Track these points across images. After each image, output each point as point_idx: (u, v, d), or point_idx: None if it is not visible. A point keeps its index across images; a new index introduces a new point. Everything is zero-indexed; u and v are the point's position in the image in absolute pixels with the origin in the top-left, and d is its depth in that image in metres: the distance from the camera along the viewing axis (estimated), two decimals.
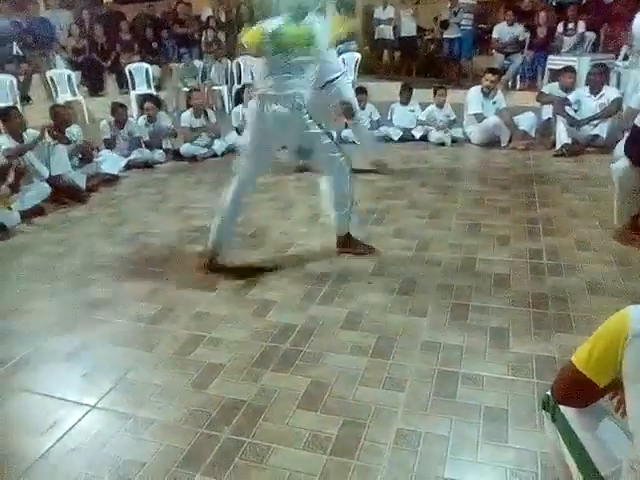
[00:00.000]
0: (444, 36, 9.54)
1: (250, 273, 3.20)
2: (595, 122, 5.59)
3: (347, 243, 3.39)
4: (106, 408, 2.13)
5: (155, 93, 8.23)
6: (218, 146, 6.06)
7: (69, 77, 8.45)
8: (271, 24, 2.91)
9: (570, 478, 1.37)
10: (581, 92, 5.79)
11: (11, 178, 4.32)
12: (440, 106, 6.34)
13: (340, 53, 7.07)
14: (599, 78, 5.70)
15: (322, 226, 3.69)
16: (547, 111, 6.03)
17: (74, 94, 8.44)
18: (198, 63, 9.03)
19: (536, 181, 4.73)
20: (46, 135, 4.71)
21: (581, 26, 8.32)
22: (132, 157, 5.68)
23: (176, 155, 5.98)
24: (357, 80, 8.13)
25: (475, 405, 2.03)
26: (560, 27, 8.46)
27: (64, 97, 8.12)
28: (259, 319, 2.70)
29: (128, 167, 5.60)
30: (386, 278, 3.07)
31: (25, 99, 8.22)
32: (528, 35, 8.72)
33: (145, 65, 8.77)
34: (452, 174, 5.10)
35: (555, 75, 6.99)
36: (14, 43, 8.63)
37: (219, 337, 2.56)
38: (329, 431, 1.93)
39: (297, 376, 2.24)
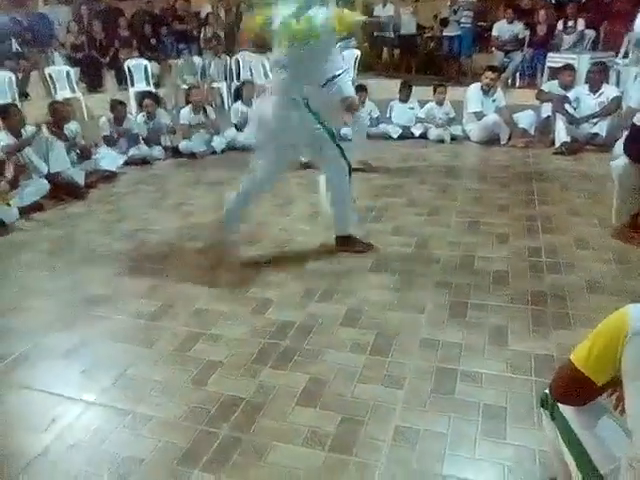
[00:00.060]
0: (444, 34, 9.54)
1: (249, 270, 3.20)
2: (594, 120, 5.59)
3: (346, 243, 3.39)
4: (105, 404, 2.13)
5: (154, 90, 8.21)
6: (217, 143, 6.05)
7: (68, 74, 8.43)
8: (276, 14, 2.90)
9: (569, 476, 1.38)
10: (580, 90, 5.79)
11: (10, 174, 4.31)
12: (440, 104, 6.33)
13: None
14: (598, 76, 5.70)
15: (321, 223, 3.68)
16: (546, 109, 6.03)
17: (73, 91, 8.42)
18: (197, 60, 9.02)
19: (535, 179, 4.73)
20: (44, 130, 4.70)
21: (581, 24, 8.31)
22: (131, 154, 5.67)
23: (175, 152, 5.97)
24: (356, 77, 8.12)
25: (474, 402, 2.04)
26: (560, 25, 8.45)
27: (63, 94, 8.09)
28: (258, 316, 2.70)
29: (127, 164, 5.59)
30: (385, 275, 3.07)
31: (24, 96, 8.20)
32: (528, 33, 8.72)
33: (144, 62, 8.75)
34: (451, 172, 5.10)
35: (555, 73, 6.99)
36: (13, 40, 8.61)
37: (218, 334, 2.56)
38: (328, 428, 1.93)
39: (296, 373, 2.25)
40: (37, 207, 4.37)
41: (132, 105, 7.96)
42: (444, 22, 9.52)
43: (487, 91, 6.06)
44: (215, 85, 8.94)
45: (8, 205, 4.10)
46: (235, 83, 8.48)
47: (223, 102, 8.95)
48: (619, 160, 3.37)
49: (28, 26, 8.90)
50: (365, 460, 1.79)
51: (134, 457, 1.85)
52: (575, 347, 1.30)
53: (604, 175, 4.24)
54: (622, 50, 7.63)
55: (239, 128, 6.22)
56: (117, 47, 9.17)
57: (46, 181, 4.55)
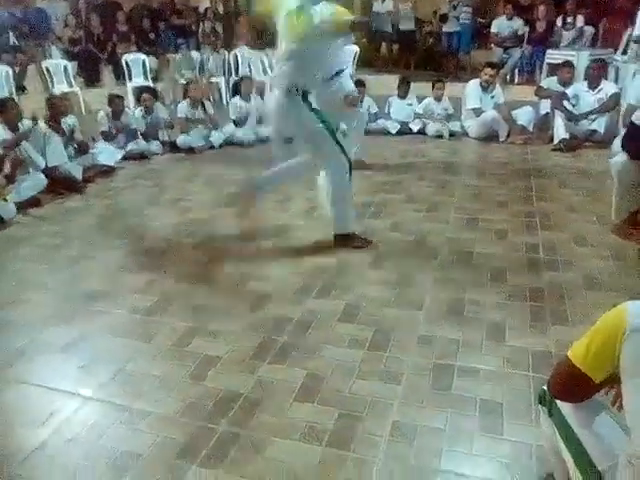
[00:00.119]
0: (443, 30, 9.51)
1: (247, 265, 3.20)
2: (593, 117, 5.59)
3: (345, 240, 3.37)
4: (103, 399, 2.13)
5: (152, 85, 8.18)
6: (215, 138, 6.04)
7: (65, 68, 8.38)
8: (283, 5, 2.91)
9: (566, 472, 1.38)
10: (579, 87, 5.79)
11: (7, 169, 4.29)
12: (438, 99, 6.33)
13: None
14: (597, 73, 5.70)
15: (320, 219, 3.68)
16: (545, 106, 6.02)
17: (70, 85, 8.37)
18: (195, 54, 8.99)
19: (534, 175, 4.73)
20: (41, 124, 4.68)
21: (580, 20, 8.30)
22: (129, 149, 5.65)
23: (173, 147, 5.96)
24: (355, 73, 8.09)
25: (471, 398, 2.04)
26: (559, 21, 8.44)
27: (60, 88, 8.04)
28: (256, 311, 2.70)
29: (124, 158, 5.57)
30: (383, 271, 3.07)
31: (21, 89, 8.16)
32: (527, 29, 8.70)
33: (142, 56, 8.71)
34: (450, 168, 5.10)
35: (553, 69, 6.99)
36: (10, 33, 8.56)
37: (216, 329, 2.56)
38: (325, 423, 1.93)
39: (294, 368, 2.25)
40: (34, 202, 4.35)
41: (130, 100, 7.91)
42: (443, 18, 9.49)
43: (486, 87, 6.06)
44: (214, 80, 8.91)
45: (5, 200, 4.08)
46: (233, 78, 8.44)
47: (221, 97, 8.92)
48: (618, 157, 3.38)
49: (25, 19, 8.83)
50: (363, 456, 1.80)
51: (132, 452, 1.84)
52: (573, 343, 1.30)
53: (602, 172, 4.25)
54: (621, 47, 7.62)
55: (237, 123, 6.21)
56: (115, 41, 9.12)
57: (43, 176, 4.54)
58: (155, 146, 5.86)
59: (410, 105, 6.49)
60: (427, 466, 1.76)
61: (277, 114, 3.02)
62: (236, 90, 6.53)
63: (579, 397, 1.32)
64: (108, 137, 5.61)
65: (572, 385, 1.30)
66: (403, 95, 6.51)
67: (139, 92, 6.55)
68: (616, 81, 6.60)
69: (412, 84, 6.59)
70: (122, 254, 3.44)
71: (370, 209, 4.01)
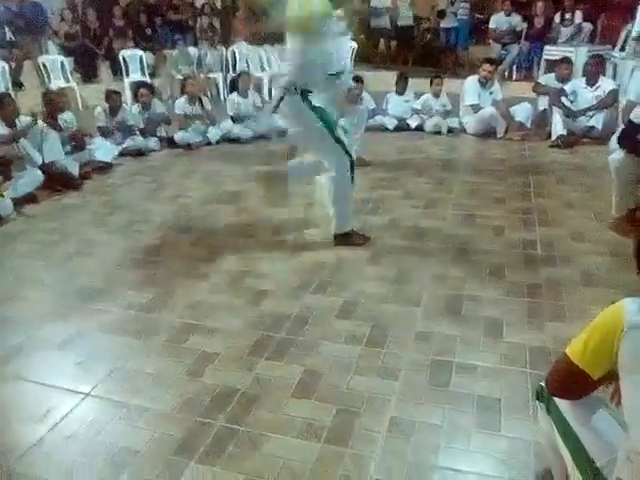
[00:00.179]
0: (441, 26, 9.50)
1: (245, 261, 3.20)
2: (591, 113, 5.59)
3: (344, 238, 3.36)
4: (100, 396, 2.12)
5: (149, 80, 8.15)
6: (212, 134, 6.02)
7: (62, 63, 8.35)
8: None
9: (564, 469, 1.39)
10: (577, 83, 5.78)
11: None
12: (436, 95, 6.32)
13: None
14: (595, 69, 5.69)
15: (318, 216, 3.67)
16: (543, 102, 6.03)
17: (67, 80, 8.35)
18: (192, 50, 8.96)
19: (531, 172, 4.73)
20: (39, 121, 4.66)
21: (578, 17, 8.31)
22: (126, 145, 5.63)
23: (170, 143, 5.94)
24: (353, 69, 8.08)
25: (468, 394, 2.04)
26: (557, 17, 8.44)
27: (57, 83, 8.02)
28: (254, 308, 2.70)
29: (122, 155, 5.55)
30: (381, 267, 3.07)
31: (17, 85, 8.12)
32: (525, 25, 8.70)
33: (139, 52, 8.69)
34: (447, 164, 5.09)
35: (552, 66, 6.98)
36: (6, 28, 8.51)
37: (214, 326, 2.55)
38: (323, 419, 1.93)
39: (291, 365, 2.25)
40: (31, 198, 4.33)
41: (127, 95, 7.90)
42: (441, 14, 9.48)
43: (484, 84, 6.05)
44: (211, 76, 8.88)
45: (1, 196, 4.07)
46: (231, 74, 8.42)
47: (219, 93, 8.90)
48: (616, 154, 3.37)
49: (21, 13, 8.77)
50: (360, 452, 1.80)
51: (130, 448, 1.84)
52: (570, 340, 1.30)
53: (600, 168, 4.25)
54: (619, 43, 7.62)
55: (235, 120, 6.19)
56: (111, 37, 9.08)
57: (40, 172, 4.52)
58: (152, 142, 5.85)
59: (408, 101, 6.48)
60: (425, 462, 1.76)
61: (280, 112, 3.03)
62: (234, 86, 6.52)
63: (577, 394, 1.32)
64: (105, 133, 5.59)
65: (570, 382, 1.30)
66: (401, 91, 6.50)
67: (136, 88, 6.54)
68: (614, 77, 6.60)
69: (410, 80, 6.57)
70: (119, 250, 3.43)
71: (368, 205, 4.00)
